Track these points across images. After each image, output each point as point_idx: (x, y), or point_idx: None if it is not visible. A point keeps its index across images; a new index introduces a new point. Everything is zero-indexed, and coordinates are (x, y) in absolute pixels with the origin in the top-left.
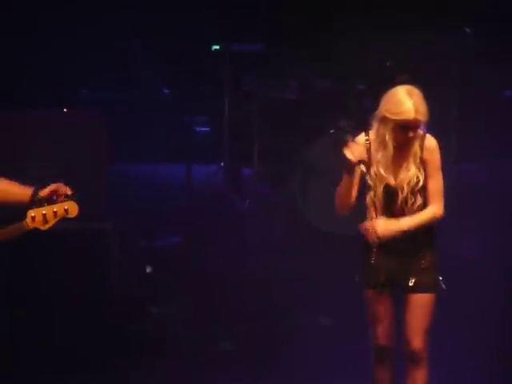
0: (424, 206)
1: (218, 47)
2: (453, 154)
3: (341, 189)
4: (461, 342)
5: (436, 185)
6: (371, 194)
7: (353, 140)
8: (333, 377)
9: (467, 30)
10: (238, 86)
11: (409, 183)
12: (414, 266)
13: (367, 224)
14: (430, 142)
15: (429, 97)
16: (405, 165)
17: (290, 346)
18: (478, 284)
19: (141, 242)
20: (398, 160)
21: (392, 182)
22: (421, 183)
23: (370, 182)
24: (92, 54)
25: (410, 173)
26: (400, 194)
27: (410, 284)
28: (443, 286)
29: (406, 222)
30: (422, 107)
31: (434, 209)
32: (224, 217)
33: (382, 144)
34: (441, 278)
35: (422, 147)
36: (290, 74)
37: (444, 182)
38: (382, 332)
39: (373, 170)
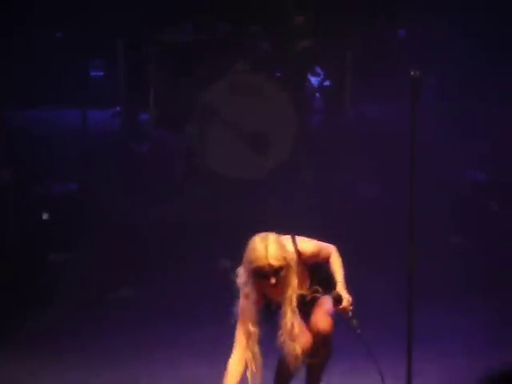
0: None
1: None
2: None
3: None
4: None
5: (320, 253)
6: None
7: None
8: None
9: None
10: (132, 30)
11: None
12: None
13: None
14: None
15: None
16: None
17: (194, 292)
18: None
19: (38, 189)
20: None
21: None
22: (296, 330)
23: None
24: None
25: (286, 319)
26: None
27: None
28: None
29: (341, 280)
30: (276, 252)
31: (334, 255)
32: (121, 162)
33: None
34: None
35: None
36: (184, 17)
37: None
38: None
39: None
